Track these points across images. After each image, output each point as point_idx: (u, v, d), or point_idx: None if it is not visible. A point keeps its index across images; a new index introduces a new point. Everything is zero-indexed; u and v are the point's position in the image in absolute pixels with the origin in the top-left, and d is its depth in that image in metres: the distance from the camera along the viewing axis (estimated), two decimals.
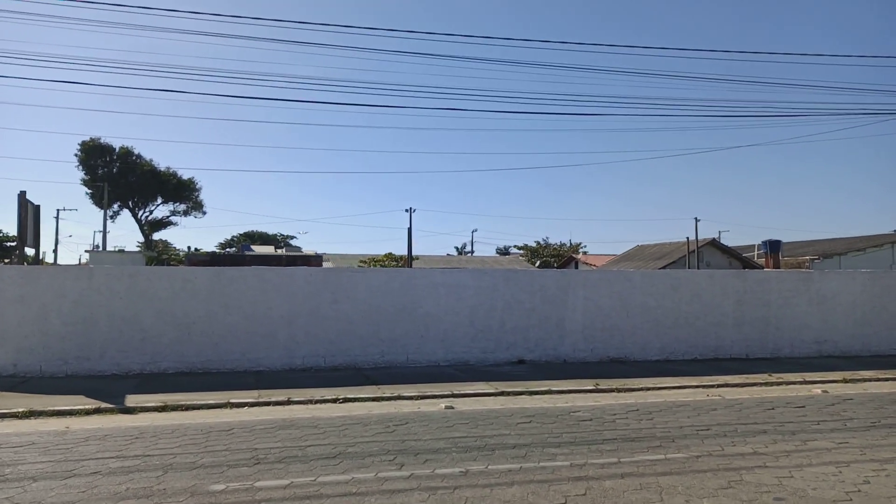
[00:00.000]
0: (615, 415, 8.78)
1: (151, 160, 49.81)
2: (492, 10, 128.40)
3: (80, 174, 47.95)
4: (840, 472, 5.94)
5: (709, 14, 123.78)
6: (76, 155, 47.36)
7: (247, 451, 6.74)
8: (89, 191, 47.73)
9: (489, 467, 6.13)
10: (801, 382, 12.60)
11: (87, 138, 47.44)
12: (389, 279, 14.49)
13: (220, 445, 7.03)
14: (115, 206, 47.38)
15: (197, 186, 52.72)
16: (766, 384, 12.35)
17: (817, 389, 11.50)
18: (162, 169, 49.92)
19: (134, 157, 48.93)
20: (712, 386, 12.12)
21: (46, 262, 47.30)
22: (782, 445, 6.96)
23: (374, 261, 45.76)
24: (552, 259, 59.35)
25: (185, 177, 50.98)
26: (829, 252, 43.46)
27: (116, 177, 46.89)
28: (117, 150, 48.41)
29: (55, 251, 44.25)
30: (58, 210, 44.51)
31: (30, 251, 14.54)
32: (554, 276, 15.64)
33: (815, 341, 16.35)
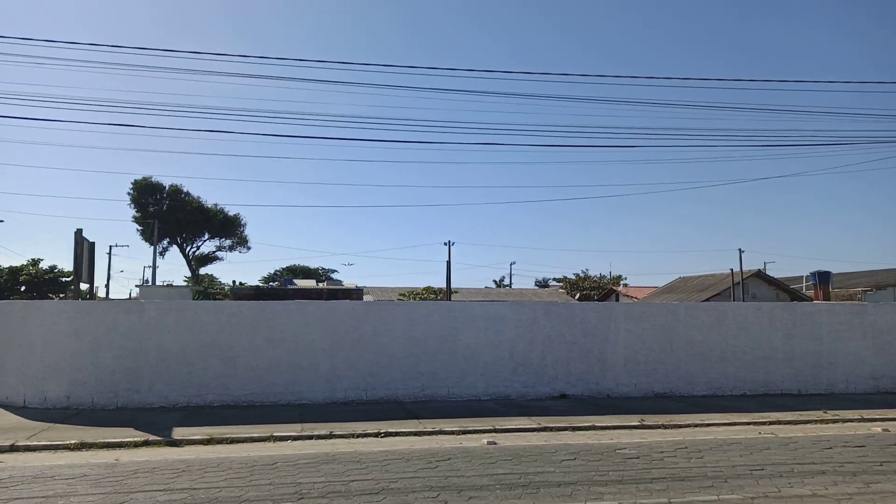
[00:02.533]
0: (663, 452, 8.54)
1: (199, 197, 51.56)
2: (532, 46, 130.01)
3: (132, 212, 49.90)
4: None
5: (754, 43, 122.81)
6: (129, 193, 49.40)
7: (291, 486, 6.77)
8: (140, 227, 49.50)
9: None
10: (858, 420, 12.06)
11: (139, 177, 49.42)
12: (429, 312, 14.52)
13: (264, 479, 7.08)
14: (165, 242, 48.95)
15: (242, 222, 54.22)
16: (821, 421, 11.86)
17: (877, 428, 10.98)
18: (209, 206, 51.55)
19: (183, 195, 50.68)
20: (764, 423, 11.71)
21: (99, 297, 48.92)
22: (843, 487, 6.64)
23: (414, 294, 45.93)
24: (592, 291, 58.61)
25: (231, 213, 52.53)
26: (883, 283, 41.89)
27: (166, 214, 48.57)
28: (167, 188, 50.28)
29: (107, 286, 45.73)
30: (110, 247, 46.11)
31: (84, 286, 15.07)
32: (595, 309, 15.44)
33: (871, 377, 15.67)
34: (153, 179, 49.36)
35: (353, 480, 6.99)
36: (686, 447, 8.94)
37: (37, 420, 11.40)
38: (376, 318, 14.08)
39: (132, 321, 12.98)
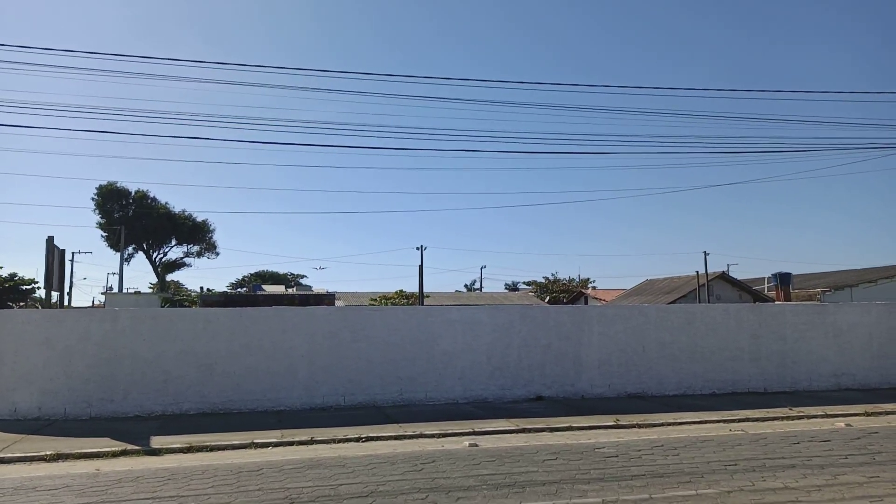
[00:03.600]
0: (640, 451, 8.80)
1: (166, 203, 50.70)
2: (496, 51, 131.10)
3: (97, 218, 48.81)
4: None
5: (716, 51, 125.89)
6: (93, 199, 48.33)
7: (279, 491, 6.81)
8: (105, 234, 48.42)
9: None
10: (822, 416, 12.55)
11: (103, 182, 48.36)
12: (407, 317, 14.63)
13: (251, 485, 7.10)
14: (130, 249, 47.99)
15: (210, 228, 53.48)
16: (788, 418, 12.30)
17: (840, 423, 11.45)
18: (177, 212, 50.72)
19: (149, 201, 49.76)
20: (733, 420, 12.10)
21: (55, 304, 47.60)
22: (812, 480, 6.97)
23: (385, 298, 45.86)
24: (561, 294, 59.30)
25: (199, 219, 51.80)
26: (840, 284, 43.28)
27: (132, 220, 47.60)
28: (133, 193, 49.30)
29: (69, 294, 44.61)
30: (73, 253, 45.00)
31: (54, 294, 14.79)
32: (570, 312, 15.73)
33: (832, 374, 16.27)
34: (118, 185, 48.44)
35: (341, 484, 7.06)
36: (662, 445, 9.22)
37: (7, 432, 11.15)
38: (354, 324, 14.13)
39: (106, 329, 12.80)
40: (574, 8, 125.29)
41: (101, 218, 48.31)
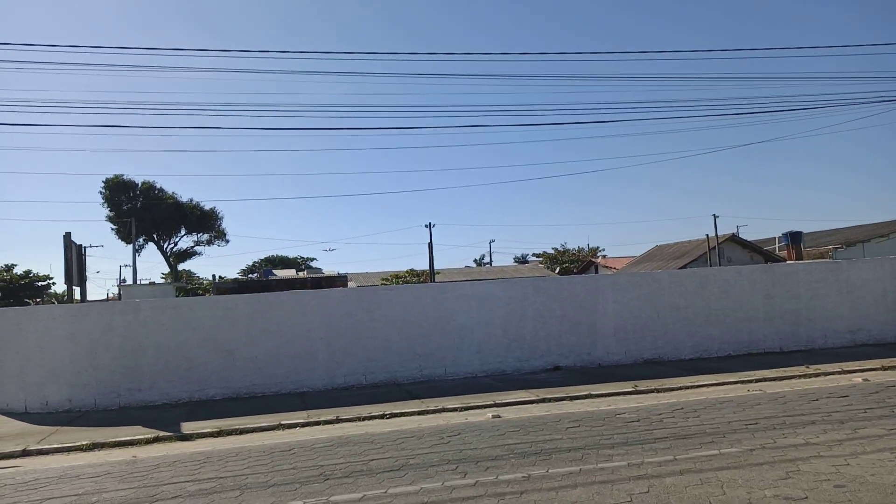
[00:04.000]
0: (661, 414, 8.96)
1: (174, 193, 50.90)
2: (497, 23, 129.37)
3: (105, 211, 49.15)
4: None
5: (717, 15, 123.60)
6: (101, 192, 48.56)
7: (314, 469, 7.02)
8: (114, 226, 48.78)
9: (549, 471, 6.36)
10: (839, 372, 12.67)
11: (110, 176, 48.57)
12: (422, 294, 14.79)
13: (286, 465, 7.32)
14: (141, 240, 48.39)
15: (219, 216, 53.73)
16: (805, 376, 12.43)
17: (858, 378, 11.57)
18: (184, 201, 50.94)
19: (156, 192, 49.98)
20: (751, 381, 12.24)
21: (76, 300, 48.22)
22: (833, 435, 7.11)
23: (396, 277, 46.15)
24: (571, 264, 59.36)
25: (207, 207, 52.05)
26: (852, 240, 43.09)
27: (140, 211, 47.88)
28: (140, 185, 49.51)
29: (66, 289, 45.17)
30: (84, 248, 45.30)
31: (75, 289, 15.02)
32: (583, 282, 15.84)
33: (847, 331, 16.35)
34: (125, 177, 48.63)
35: (372, 460, 7.27)
36: (682, 408, 9.38)
37: (42, 424, 11.47)
38: (370, 304, 14.30)
39: (128, 321, 13.03)
40: None
41: (110, 211, 48.65)
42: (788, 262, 28.88)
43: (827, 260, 20.06)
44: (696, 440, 7.24)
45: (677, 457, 6.57)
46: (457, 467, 6.71)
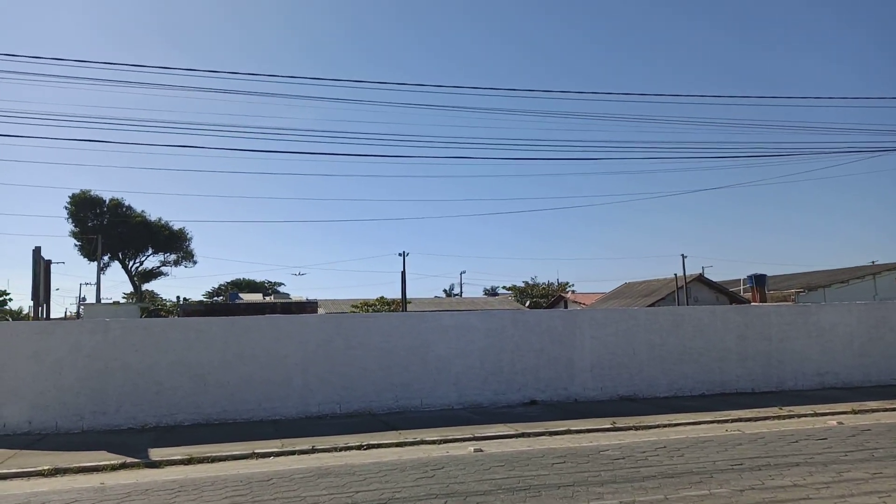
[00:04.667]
0: (645, 452, 8.94)
1: (143, 212, 49.89)
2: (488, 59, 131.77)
3: (70, 227, 47.86)
4: (885, 502, 6.14)
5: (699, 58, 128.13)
6: (66, 207, 47.32)
7: (296, 501, 6.78)
8: (78, 243, 47.45)
9: None
10: (812, 415, 12.85)
11: (76, 191, 47.44)
12: (400, 323, 14.63)
13: (266, 496, 7.06)
14: (106, 258, 47.17)
15: (188, 236, 52.81)
16: (779, 417, 12.58)
17: (832, 421, 11.74)
18: (153, 220, 49.93)
19: (124, 209, 48.92)
20: (727, 420, 12.33)
21: (31, 317, 46.53)
22: (819, 477, 7.16)
23: (367, 305, 45.72)
24: (541, 298, 59.70)
25: (176, 228, 51.11)
26: (814, 285, 44.29)
27: (107, 228, 46.73)
28: (107, 202, 48.42)
29: (33, 305, 43.63)
30: (50, 264, 43.90)
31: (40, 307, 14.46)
32: (561, 316, 15.89)
33: (816, 373, 16.66)
34: (92, 193, 47.55)
35: (356, 492, 7.06)
36: (665, 447, 9.37)
37: None
38: (348, 331, 14.09)
39: (96, 341, 12.58)
40: (551, 14, 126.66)
41: (75, 227, 47.39)
42: (758, 304, 29.46)
43: (795, 303, 20.51)
44: (684, 479, 7.21)
45: (668, 496, 6.53)
46: (445, 502, 6.56)
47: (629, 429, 11.68)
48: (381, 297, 48.75)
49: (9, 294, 42.85)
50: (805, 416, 12.72)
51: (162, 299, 61.69)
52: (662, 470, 7.74)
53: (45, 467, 9.24)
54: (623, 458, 8.53)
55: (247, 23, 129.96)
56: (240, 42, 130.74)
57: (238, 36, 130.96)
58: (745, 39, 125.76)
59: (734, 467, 7.79)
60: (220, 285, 76.23)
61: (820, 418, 12.30)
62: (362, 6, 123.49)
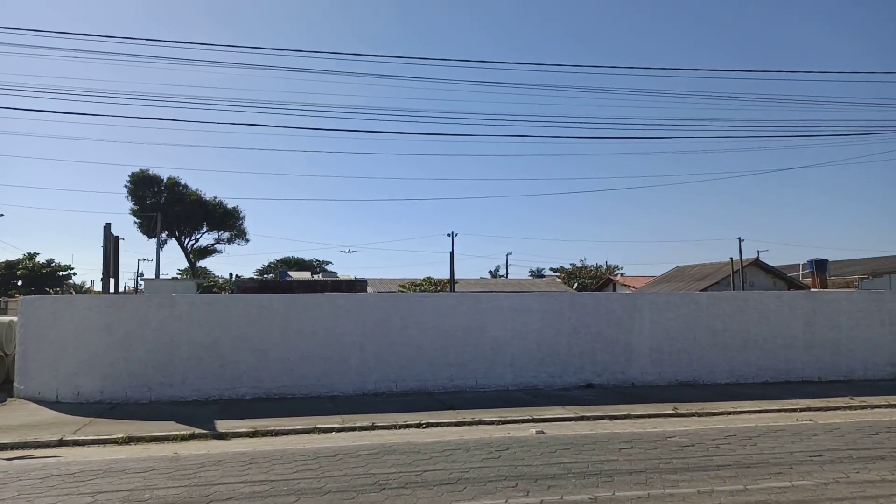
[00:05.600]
0: (715, 440, 8.68)
1: (198, 190, 51.17)
2: (536, 35, 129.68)
3: (129, 204, 49.47)
4: None
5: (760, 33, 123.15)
6: (126, 186, 48.91)
7: (366, 477, 6.82)
8: (138, 220, 49.06)
9: (616, 494, 6.12)
10: (886, 406, 12.30)
11: (136, 169, 48.95)
12: (457, 304, 14.59)
13: (336, 471, 7.13)
14: (163, 235, 48.69)
15: (241, 215, 53.91)
16: (850, 408, 12.08)
17: None
18: (208, 198, 51.18)
19: (181, 188, 50.26)
20: (794, 409, 11.91)
21: (95, 291, 48.48)
22: None
23: (414, 285, 45.93)
24: (589, 281, 58.91)
25: (230, 206, 52.27)
26: (879, 271, 42.41)
27: (164, 206, 48.15)
28: (165, 180, 49.82)
29: (103, 280, 45.38)
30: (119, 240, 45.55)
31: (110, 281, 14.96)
32: (620, 299, 15.58)
33: (888, 363, 15.95)
34: (150, 172, 48.99)
35: (425, 471, 7.06)
36: (735, 434, 9.09)
37: (74, 415, 11.36)
38: (405, 310, 14.13)
39: (164, 315, 12.94)
40: None
41: (134, 205, 48.98)
42: (828, 290, 28.34)
43: (869, 290, 19.62)
44: (762, 470, 6.96)
45: (748, 487, 6.31)
46: (516, 484, 6.49)
47: (692, 415, 11.40)
48: (429, 278, 48.88)
49: (73, 269, 44.70)
50: (879, 407, 12.19)
51: (214, 276, 63.39)
52: (737, 459, 7.49)
53: (120, 435, 9.58)
54: (693, 446, 8.30)
55: (296, 5, 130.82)
56: (287, 20, 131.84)
57: (284, 14, 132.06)
58: (773, 16, 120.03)
59: (813, 458, 7.48)
60: (270, 263, 77.77)
61: (894, 410, 11.75)
62: None
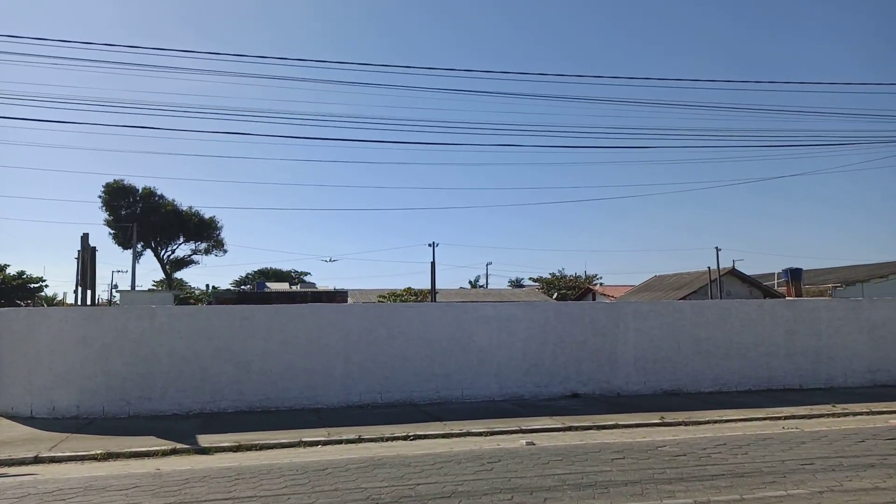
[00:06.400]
0: (705, 449, 8.67)
1: (173, 200, 50.44)
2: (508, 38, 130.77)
3: (104, 215, 48.56)
4: None
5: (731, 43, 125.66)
6: (100, 196, 48.02)
7: (358, 492, 6.66)
8: (112, 231, 48.15)
9: None
10: (868, 413, 12.44)
11: (110, 179, 48.11)
12: (442, 314, 14.48)
13: (326, 486, 6.96)
14: (139, 246, 47.87)
15: (218, 225, 53.27)
16: (833, 415, 12.20)
17: (893, 420, 11.34)
18: (184, 209, 50.48)
19: (156, 198, 49.49)
20: (780, 418, 11.99)
21: (67, 303, 47.39)
22: None
23: (395, 295, 45.71)
24: (568, 291, 59.18)
25: (207, 216, 51.58)
26: (851, 279, 43.21)
27: (140, 217, 47.34)
28: (140, 190, 49.03)
29: (75, 292, 44.42)
30: (78, 251, 44.67)
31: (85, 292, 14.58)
32: (605, 309, 15.60)
33: (867, 370, 16.17)
34: (125, 182, 48.17)
35: (417, 484, 6.92)
36: (724, 443, 9.09)
37: (49, 430, 11.01)
38: (390, 321, 13.99)
39: (143, 327, 12.63)
40: (573, 3, 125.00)
41: (109, 215, 48.08)
42: (807, 298, 28.76)
43: (848, 299, 19.94)
44: (756, 479, 6.95)
45: (744, 496, 6.28)
46: (512, 497, 6.38)
47: (679, 424, 11.41)
48: (409, 288, 48.70)
49: (45, 281, 43.64)
50: (861, 414, 12.32)
51: (190, 287, 62.46)
52: (730, 468, 7.48)
53: (98, 451, 9.29)
54: (685, 455, 8.27)
55: (274, 13, 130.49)
56: (266, 30, 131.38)
57: (265, 23, 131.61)
58: (754, 27, 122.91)
59: (805, 467, 7.49)
60: (247, 274, 76.94)
61: (877, 417, 11.90)
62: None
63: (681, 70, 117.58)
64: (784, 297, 36.47)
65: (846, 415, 12.24)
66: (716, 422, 11.59)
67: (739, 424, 11.38)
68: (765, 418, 11.89)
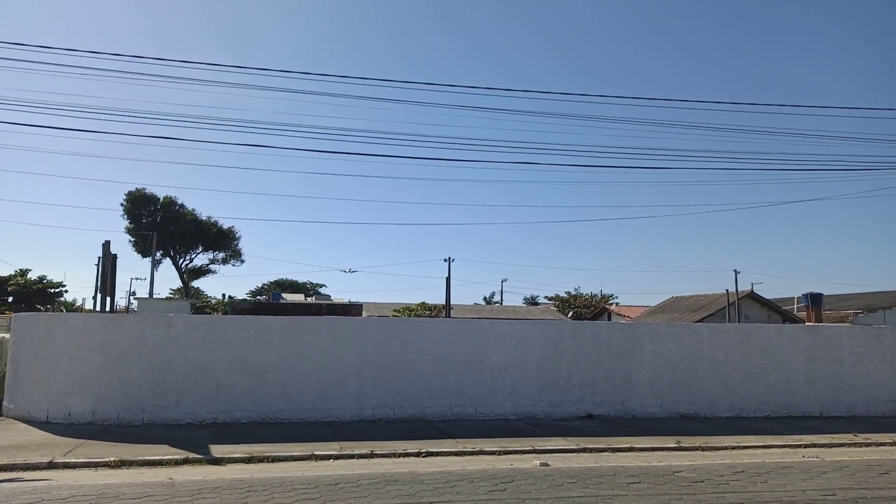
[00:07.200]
0: (723, 476, 8.50)
1: (193, 210, 51.05)
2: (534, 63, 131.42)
3: (124, 223, 49.27)
4: None
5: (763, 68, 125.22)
6: (122, 204, 48.77)
7: None
8: (133, 239, 48.82)
9: None
10: (891, 444, 12.15)
11: (133, 188, 48.84)
12: (457, 330, 14.42)
13: (337, 501, 6.91)
14: (158, 254, 48.42)
15: (236, 235, 53.76)
16: (855, 445, 11.93)
17: None
18: (203, 218, 51.04)
19: (177, 207, 50.13)
20: (799, 445, 11.75)
21: (86, 309, 47.94)
22: None
23: (409, 310, 45.72)
24: (584, 310, 58.78)
25: (226, 226, 52.12)
26: (873, 306, 42.48)
27: (160, 225, 47.94)
28: (161, 199, 49.70)
29: (94, 298, 44.93)
30: (98, 258, 45.28)
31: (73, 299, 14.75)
32: (621, 329, 15.46)
33: (890, 399, 15.82)
34: (147, 191, 48.91)
35: (430, 503, 6.85)
36: (743, 471, 8.91)
37: (64, 436, 11.07)
38: (405, 335, 13.95)
39: (160, 335, 12.71)
40: (588, 20, 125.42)
41: (130, 223, 48.77)
42: (829, 324, 28.29)
43: (871, 325, 19.57)
44: None
45: None
46: None
47: (696, 449, 11.22)
48: (423, 303, 48.72)
49: (65, 286, 44.25)
50: (884, 444, 12.04)
51: (207, 296, 62.94)
52: (749, 497, 7.32)
53: (112, 458, 9.31)
54: (702, 482, 8.12)
55: (293, 25, 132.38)
56: (289, 46, 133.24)
57: (288, 39, 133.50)
58: (762, 51, 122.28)
59: (827, 498, 7.31)
60: (263, 284, 77.36)
61: None
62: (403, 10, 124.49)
63: (701, 93, 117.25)
64: (804, 322, 35.90)
65: (868, 444, 11.96)
66: (734, 448, 11.37)
67: (758, 451, 11.16)
68: (784, 446, 11.66)
